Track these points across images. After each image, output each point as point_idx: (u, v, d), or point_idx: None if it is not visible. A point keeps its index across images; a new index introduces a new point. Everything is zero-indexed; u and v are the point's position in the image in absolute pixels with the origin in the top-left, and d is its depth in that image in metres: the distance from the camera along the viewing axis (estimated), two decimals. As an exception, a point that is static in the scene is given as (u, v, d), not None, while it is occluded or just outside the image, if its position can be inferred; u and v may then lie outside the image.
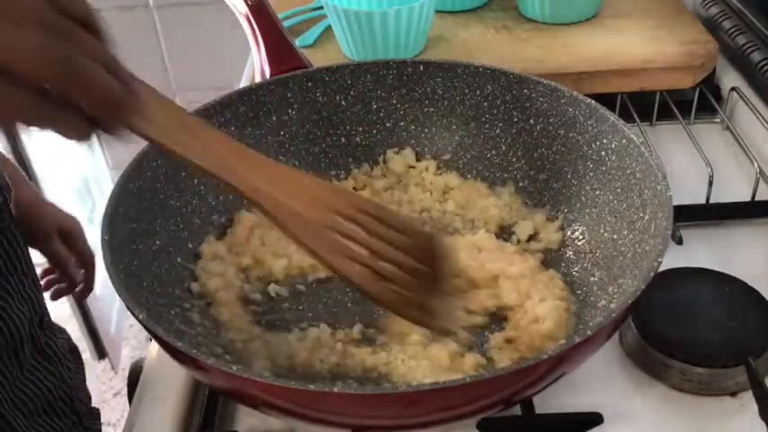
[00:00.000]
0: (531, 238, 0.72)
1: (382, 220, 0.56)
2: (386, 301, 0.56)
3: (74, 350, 0.93)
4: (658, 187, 0.61)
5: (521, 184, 0.76)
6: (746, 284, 0.67)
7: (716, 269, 0.69)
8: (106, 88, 0.43)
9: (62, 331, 0.93)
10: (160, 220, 0.68)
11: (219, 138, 0.54)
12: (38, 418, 0.75)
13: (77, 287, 1.03)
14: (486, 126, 0.78)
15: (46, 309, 0.81)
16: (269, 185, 0.54)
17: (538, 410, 0.60)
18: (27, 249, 0.77)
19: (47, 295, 1.02)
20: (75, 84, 0.42)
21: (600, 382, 0.64)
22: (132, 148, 0.68)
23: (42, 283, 1.02)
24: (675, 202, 0.59)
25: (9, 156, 1.60)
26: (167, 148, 0.51)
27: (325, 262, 0.55)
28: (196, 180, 0.72)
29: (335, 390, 0.49)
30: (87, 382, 0.94)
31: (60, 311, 1.95)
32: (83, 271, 1.02)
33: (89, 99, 0.43)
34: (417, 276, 0.56)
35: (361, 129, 0.80)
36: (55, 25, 0.41)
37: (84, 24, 0.43)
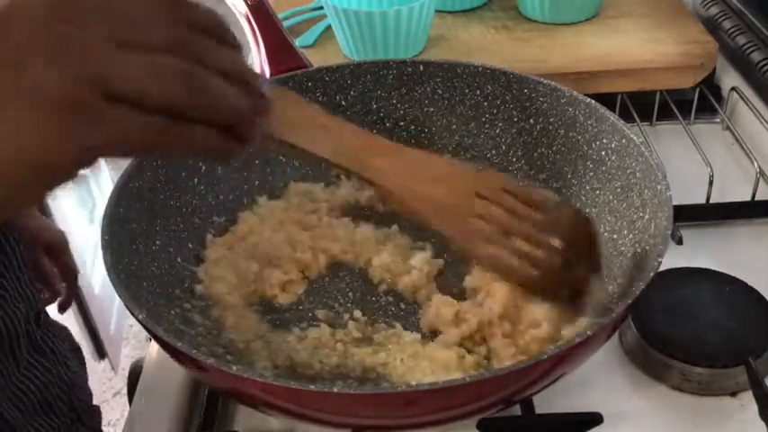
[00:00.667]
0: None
1: (524, 200, 0.57)
2: (532, 285, 0.57)
3: (76, 349, 0.93)
4: (658, 187, 0.60)
5: (521, 183, 0.75)
6: (746, 284, 0.67)
7: (716, 269, 0.69)
8: (232, 105, 0.41)
9: (63, 329, 0.93)
10: (160, 220, 0.68)
11: (346, 127, 0.55)
12: (35, 416, 0.75)
13: (58, 299, 1.03)
14: (487, 126, 0.78)
15: (42, 306, 0.81)
16: (401, 175, 0.55)
17: (538, 410, 0.60)
18: (22, 247, 0.77)
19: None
20: (197, 104, 0.39)
21: (600, 382, 0.64)
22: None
23: None
24: (675, 202, 0.59)
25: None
26: (301, 148, 0.52)
27: (466, 250, 0.57)
28: (196, 180, 0.72)
29: (335, 390, 0.49)
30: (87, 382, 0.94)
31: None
32: (64, 284, 1.03)
33: (214, 117, 0.40)
34: (558, 253, 0.56)
35: (361, 129, 0.80)
36: (182, 44, 0.39)
37: (211, 33, 0.41)
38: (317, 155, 0.53)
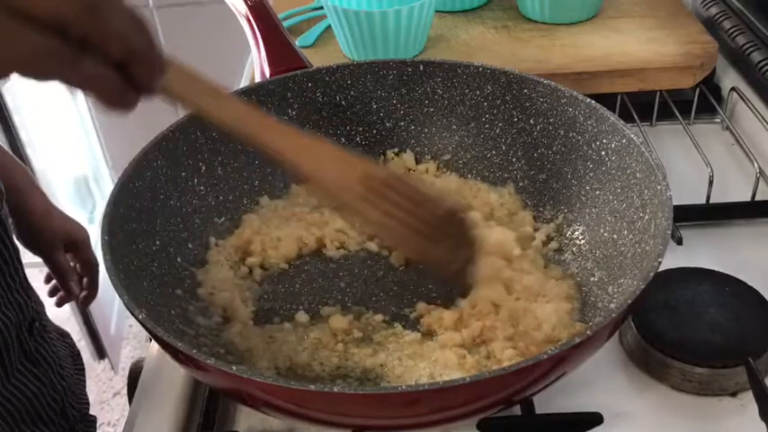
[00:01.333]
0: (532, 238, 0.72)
1: (405, 194, 0.60)
2: (419, 251, 0.61)
3: (75, 356, 0.92)
4: (658, 187, 0.60)
5: (521, 184, 0.76)
6: (746, 284, 0.67)
7: (716, 269, 0.69)
8: (131, 40, 0.41)
9: (65, 336, 0.92)
10: (160, 220, 0.68)
11: (244, 104, 0.55)
12: (22, 426, 0.74)
13: (78, 296, 1.03)
14: (487, 126, 0.78)
15: (37, 314, 0.79)
16: (297, 148, 0.56)
17: (538, 410, 0.59)
18: (17, 253, 0.76)
19: (52, 301, 1.02)
20: (98, 29, 0.39)
21: (600, 382, 0.64)
22: (132, 148, 0.68)
23: (48, 288, 1.02)
24: (675, 202, 0.59)
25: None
26: (200, 109, 0.52)
27: (361, 217, 0.59)
28: (196, 179, 0.72)
29: (336, 390, 0.49)
30: (87, 383, 0.93)
31: (60, 312, 1.94)
32: (85, 280, 1.03)
33: (113, 47, 0.40)
34: (441, 244, 0.61)
35: (361, 129, 0.80)
36: None
37: None
38: (213, 115, 0.53)
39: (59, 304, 1.03)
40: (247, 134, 0.55)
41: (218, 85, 0.53)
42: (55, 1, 0.38)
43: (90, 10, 0.39)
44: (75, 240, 0.97)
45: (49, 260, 0.97)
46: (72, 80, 0.40)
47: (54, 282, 1.01)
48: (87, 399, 0.91)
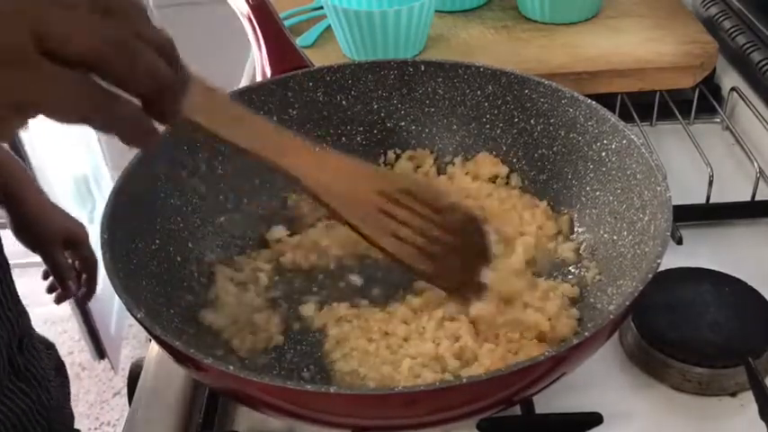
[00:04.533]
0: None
1: (423, 200, 0.61)
2: (429, 275, 0.62)
3: (60, 367, 0.91)
4: (658, 188, 0.60)
5: (521, 185, 0.76)
6: (746, 284, 0.67)
7: (716, 269, 0.69)
8: (160, 74, 0.41)
9: (50, 347, 0.91)
10: (160, 218, 0.68)
11: (264, 124, 0.56)
12: None
13: (76, 294, 1.02)
14: (487, 126, 0.78)
15: (27, 330, 0.79)
16: (315, 170, 0.57)
17: (538, 410, 0.60)
18: (8, 268, 0.75)
19: (39, 310, 1.01)
20: (128, 67, 0.39)
21: (600, 382, 0.64)
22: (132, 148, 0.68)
23: (46, 285, 1.02)
24: (675, 202, 0.59)
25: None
26: (216, 133, 0.52)
27: (374, 242, 0.60)
28: (196, 179, 0.72)
29: (332, 390, 0.49)
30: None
31: (60, 311, 1.94)
32: (84, 276, 1.02)
33: (142, 83, 0.40)
34: (456, 253, 0.62)
35: (361, 129, 0.80)
36: (108, 7, 0.39)
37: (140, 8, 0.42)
38: (231, 142, 0.53)
39: (58, 302, 1.03)
40: (263, 159, 0.55)
41: (236, 106, 0.53)
42: (86, 40, 0.38)
43: (130, 57, 0.39)
44: (73, 238, 0.97)
45: (47, 258, 0.97)
46: (97, 123, 0.40)
47: (52, 279, 1.01)
48: (72, 412, 0.90)
